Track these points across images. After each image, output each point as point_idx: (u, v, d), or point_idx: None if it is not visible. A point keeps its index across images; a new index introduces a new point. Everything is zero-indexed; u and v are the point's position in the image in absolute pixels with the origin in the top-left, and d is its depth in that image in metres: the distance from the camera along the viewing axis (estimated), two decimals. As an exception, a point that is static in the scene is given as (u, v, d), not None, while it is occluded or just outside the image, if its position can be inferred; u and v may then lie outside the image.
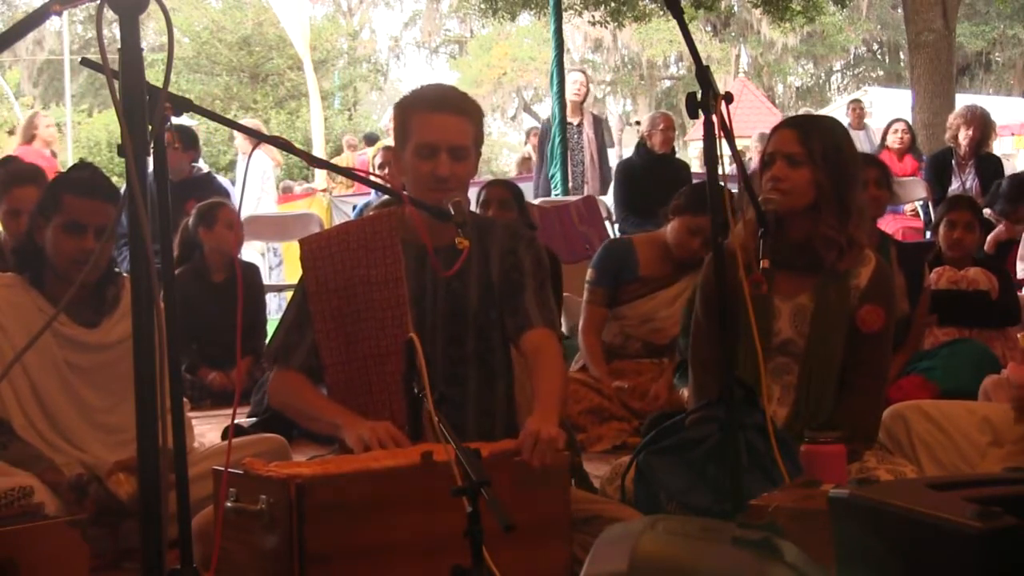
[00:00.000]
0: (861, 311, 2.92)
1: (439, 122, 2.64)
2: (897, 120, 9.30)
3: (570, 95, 8.85)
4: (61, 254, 2.99)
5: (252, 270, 6.18)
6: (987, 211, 6.07)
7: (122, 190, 2.89)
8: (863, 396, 2.93)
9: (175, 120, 1.98)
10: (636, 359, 4.68)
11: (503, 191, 4.99)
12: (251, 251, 8.48)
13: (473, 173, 2.73)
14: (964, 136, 7.36)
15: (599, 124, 9.07)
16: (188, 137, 6.76)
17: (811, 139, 2.89)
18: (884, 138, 9.10)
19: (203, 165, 7.29)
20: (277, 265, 9.72)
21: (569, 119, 8.85)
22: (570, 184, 8.78)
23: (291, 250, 9.53)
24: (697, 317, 3.07)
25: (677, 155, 8.03)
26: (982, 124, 7.39)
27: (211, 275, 5.64)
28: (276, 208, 10.22)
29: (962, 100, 10.93)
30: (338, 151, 16.01)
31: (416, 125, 2.66)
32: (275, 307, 8.29)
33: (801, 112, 16.17)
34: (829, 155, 2.89)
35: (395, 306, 2.65)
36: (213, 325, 5.37)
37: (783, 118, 4.01)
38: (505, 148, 32.50)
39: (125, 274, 3.07)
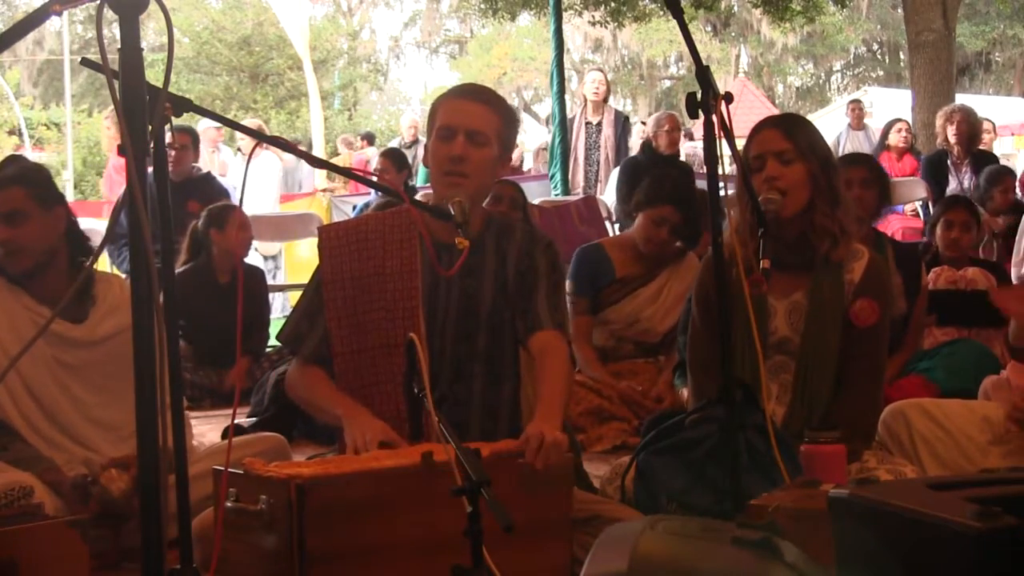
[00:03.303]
0: (855, 305, 2.92)
1: (460, 106, 2.71)
2: (899, 120, 9.29)
3: (589, 94, 8.88)
4: None
5: (257, 273, 6.23)
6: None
7: (121, 190, 2.88)
8: (859, 392, 2.93)
9: (175, 120, 1.98)
10: (631, 360, 4.69)
11: (514, 190, 5.42)
12: (254, 254, 8.46)
13: (497, 167, 2.74)
14: (952, 134, 7.36)
15: (620, 121, 9.02)
16: (193, 138, 6.85)
17: (796, 134, 2.93)
18: (885, 137, 9.09)
19: (201, 165, 7.32)
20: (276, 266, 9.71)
21: (589, 118, 8.88)
22: (583, 183, 8.79)
23: (290, 250, 9.54)
24: (693, 318, 3.07)
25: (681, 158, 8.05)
26: (965, 119, 7.38)
27: (217, 276, 5.68)
28: (276, 208, 10.21)
29: (962, 100, 10.92)
30: (337, 151, 16.00)
31: (440, 112, 2.72)
32: (276, 307, 8.29)
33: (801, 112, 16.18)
34: (814, 147, 2.93)
35: (407, 299, 2.66)
36: (215, 325, 5.39)
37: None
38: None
39: (120, 272, 3.06)
